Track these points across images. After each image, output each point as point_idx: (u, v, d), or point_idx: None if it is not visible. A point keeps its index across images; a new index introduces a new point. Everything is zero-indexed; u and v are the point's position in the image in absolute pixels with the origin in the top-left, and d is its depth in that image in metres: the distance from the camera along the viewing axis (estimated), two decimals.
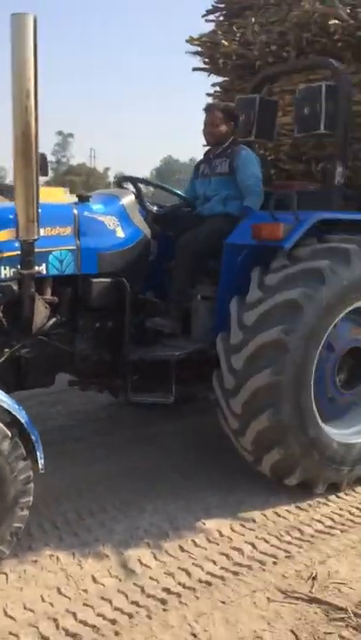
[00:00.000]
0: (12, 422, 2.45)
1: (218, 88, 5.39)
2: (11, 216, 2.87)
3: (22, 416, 2.48)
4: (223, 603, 2.52)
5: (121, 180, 3.88)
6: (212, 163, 3.90)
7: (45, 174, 3.33)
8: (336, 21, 4.32)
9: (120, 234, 3.28)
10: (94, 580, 2.60)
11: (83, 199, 3.21)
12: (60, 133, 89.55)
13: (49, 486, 3.03)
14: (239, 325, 3.24)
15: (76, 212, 3.15)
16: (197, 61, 5.29)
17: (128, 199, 3.39)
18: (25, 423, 2.48)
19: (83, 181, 79.97)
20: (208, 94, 5.43)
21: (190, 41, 5.20)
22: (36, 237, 2.73)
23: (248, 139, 4.29)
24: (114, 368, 3.39)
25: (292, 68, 4.54)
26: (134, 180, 3.62)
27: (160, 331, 3.50)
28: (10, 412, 2.44)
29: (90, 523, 3.02)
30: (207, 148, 4.13)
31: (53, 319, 3.04)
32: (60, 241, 3.03)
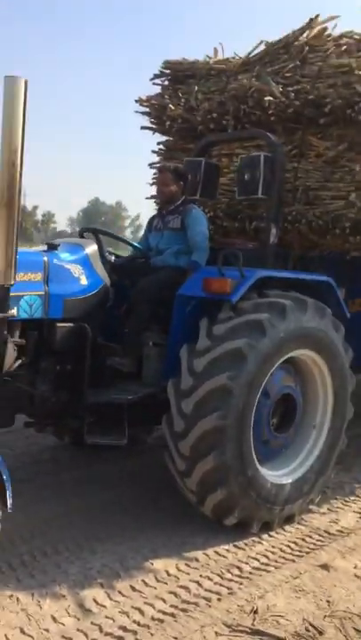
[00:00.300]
0: None
1: (162, 146, 5.77)
2: None
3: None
4: (175, 638, 2.69)
5: (83, 231, 4.07)
6: (164, 218, 4.22)
7: None
8: (270, 98, 4.84)
9: (84, 281, 3.47)
10: (54, 619, 2.69)
11: (51, 247, 3.39)
12: None
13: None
14: (189, 372, 3.49)
15: (46, 259, 3.32)
16: (145, 120, 5.67)
17: (91, 249, 3.60)
18: None
19: None
20: (153, 151, 5.81)
21: (140, 102, 5.58)
22: (12, 282, 2.87)
23: (194, 197, 4.66)
24: (70, 410, 3.52)
25: (234, 138, 5.00)
26: (96, 232, 3.84)
27: (114, 374, 3.68)
28: None
29: (45, 564, 3.10)
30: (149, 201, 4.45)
31: (19, 361, 3.15)
32: (30, 286, 3.18)
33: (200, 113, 5.19)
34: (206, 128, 5.22)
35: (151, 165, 5.92)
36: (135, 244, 4.16)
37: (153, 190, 5.88)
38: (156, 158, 5.88)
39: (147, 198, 6.01)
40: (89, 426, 3.51)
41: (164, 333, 3.86)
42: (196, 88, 5.37)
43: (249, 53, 5.26)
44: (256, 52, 5.22)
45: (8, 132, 2.73)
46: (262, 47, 5.21)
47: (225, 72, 5.39)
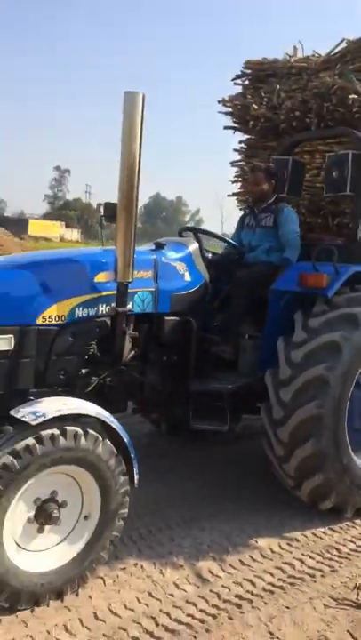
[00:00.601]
0: (118, 441, 2.84)
1: (243, 145, 5.97)
2: (103, 260, 3.31)
3: (125, 436, 2.87)
4: (288, 607, 2.92)
5: (182, 230, 4.34)
6: (257, 216, 4.43)
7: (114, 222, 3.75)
8: (354, 96, 4.95)
9: (187, 278, 3.74)
10: (176, 586, 2.98)
11: (158, 246, 3.67)
12: (57, 169, 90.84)
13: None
14: (287, 362, 3.69)
15: (155, 257, 3.60)
16: (227, 120, 5.88)
17: (193, 247, 3.85)
18: (127, 442, 2.87)
19: (78, 216, 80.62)
20: (235, 150, 6.01)
21: (223, 102, 5.79)
22: (130, 280, 3.16)
23: (281, 195, 4.83)
24: (176, 398, 3.80)
25: (321, 136, 5.13)
26: (195, 231, 4.10)
27: (213, 365, 3.94)
28: (117, 432, 2.83)
29: (160, 537, 3.41)
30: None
31: (132, 352, 3.44)
32: (143, 283, 3.46)
33: (283, 111, 5.34)
34: (289, 126, 5.37)
35: (233, 163, 6.13)
36: (231, 242, 4.38)
37: (235, 187, 6.12)
38: (237, 156, 6.09)
39: (229, 195, 6.23)
40: (193, 412, 3.77)
41: (258, 326, 4.08)
42: (278, 87, 5.54)
43: (330, 51, 5.38)
44: (338, 49, 5.32)
45: (127, 142, 3.01)
46: (344, 45, 5.32)
47: (306, 70, 5.52)
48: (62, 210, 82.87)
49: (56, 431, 2.63)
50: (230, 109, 5.81)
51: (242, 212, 5.94)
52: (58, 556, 2.79)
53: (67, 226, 71.87)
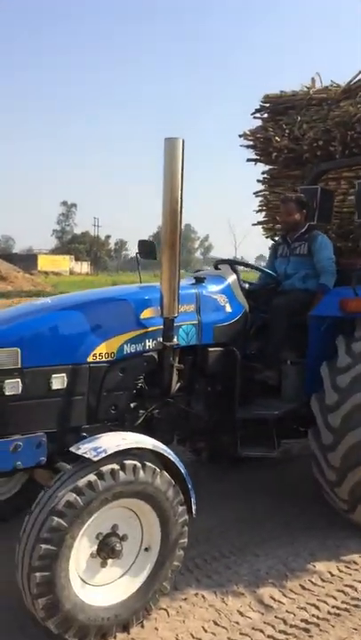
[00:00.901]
0: (175, 472, 2.94)
1: (266, 175, 6.16)
2: (147, 297, 3.46)
3: (182, 467, 2.97)
4: (356, 629, 2.95)
5: (218, 263, 4.48)
6: (290, 245, 4.57)
7: (155, 258, 3.91)
8: None
9: (228, 309, 3.85)
10: (241, 614, 3.02)
11: (198, 280, 3.81)
12: (64, 203, 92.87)
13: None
14: (333, 387, 3.76)
15: (196, 291, 3.72)
16: (250, 152, 6.08)
17: (232, 279, 3.98)
18: (184, 473, 2.97)
19: (86, 249, 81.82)
20: (258, 180, 6.21)
21: (245, 136, 6.00)
22: (176, 315, 3.29)
23: (310, 223, 4.97)
24: (221, 426, 3.90)
25: (349, 164, 5.29)
26: (231, 263, 4.24)
27: (257, 392, 4.04)
28: (174, 464, 2.93)
29: (216, 566, 3.45)
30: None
31: (178, 384, 3.56)
32: (186, 317, 3.57)
33: (306, 141, 5.52)
34: (313, 155, 5.54)
35: (256, 194, 6.32)
36: (268, 271, 4.49)
37: (260, 217, 6.30)
38: (260, 187, 6.28)
39: (253, 225, 6.40)
40: (241, 439, 3.86)
41: (298, 352, 4.18)
42: (299, 118, 5.73)
43: (350, 81, 5.56)
44: (357, 78, 5.51)
45: (169, 184, 3.16)
46: None
47: (326, 100, 5.71)
48: (71, 244, 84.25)
49: (116, 466, 2.71)
50: (252, 142, 6.02)
51: (270, 241, 6.15)
52: (122, 588, 2.85)
53: (76, 259, 72.83)
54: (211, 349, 3.73)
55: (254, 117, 6.13)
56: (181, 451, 4.79)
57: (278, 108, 6.01)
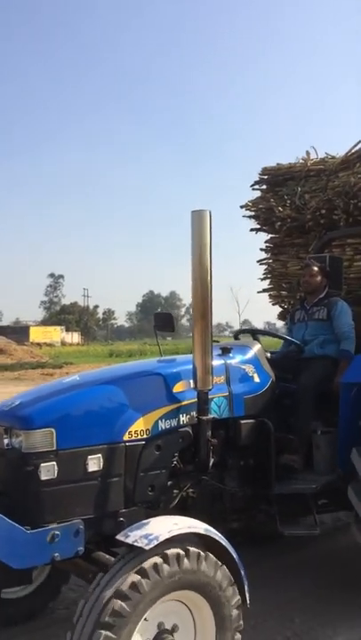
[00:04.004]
0: (226, 559, 2.69)
1: (269, 244, 6.18)
2: (178, 369, 3.30)
3: (234, 553, 2.72)
4: None
5: (239, 333, 4.36)
6: (308, 310, 4.48)
7: (172, 330, 3.79)
8: None
9: (257, 379, 3.69)
10: None
11: (225, 351, 3.66)
12: (51, 275, 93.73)
13: None
14: None
15: (225, 362, 3.57)
16: (251, 222, 6.12)
17: (257, 348, 3.84)
18: (237, 561, 2.72)
19: (76, 319, 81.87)
20: (261, 249, 6.22)
21: (246, 207, 6.06)
22: (210, 387, 3.13)
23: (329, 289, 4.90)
24: (257, 503, 3.65)
25: (356, 233, 5.31)
26: (253, 332, 4.13)
27: (289, 466, 3.83)
28: (226, 549, 2.69)
29: None
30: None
31: (212, 459, 3.34)
32: (217, 389, 3.38)
33: (309, 211, 5.57)
34: (316, 224, 5.57)
35: (260, 262, 6.31)
36: (292, 339, 4.35)
37: (264, 284, 6.28)
38: (264, 255, 6.28)
39: (258, 292, 6.38)
40: (280, 518, 3.61)
41: (327, 421, 4.01)
42: (299, 189, 5.81)
43: (347, 152, 5.68)
44: (355, 149, 5.63)
45: (198, 255, 3.08)
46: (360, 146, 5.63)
47: (324, 172, 5.81)
48: (60, 314, 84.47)
49: (159, 559, 2.45)
50: (254, 212, 6.07)
51: (277, 307, 6.10)
52: None
53: (67, 330, 72.79)
54: (243, 422, 3.53)
55: (253, 189, 6.21)
56: None
57: (277, 180, 6.09)
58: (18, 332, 53.49)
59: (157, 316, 3.90)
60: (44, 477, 2.66)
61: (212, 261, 3.13)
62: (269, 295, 6.14)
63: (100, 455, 2.84)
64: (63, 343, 62.25)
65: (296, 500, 3.70)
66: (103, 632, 2.27)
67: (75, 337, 73.45)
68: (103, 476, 2.85)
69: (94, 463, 2.83)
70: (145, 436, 3.02)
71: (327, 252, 5.47)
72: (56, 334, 64.30)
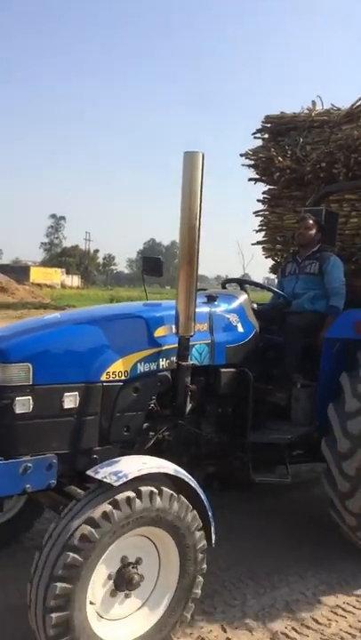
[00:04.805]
0: (194, 498, 2.71)
1: (267, 195, 6.00)
2: (161, 314, 3.25)
3: (201, 493, 2.74)
4: None
5: (226, 282, 4.27)
6: (300, 263, 4.39)
7: (160, 275, 3.71)
8: None
9: (240, 329, 3.64)
10: None
11: (211, 299, 3.60)
12: (53, 216, 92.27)
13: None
14: (344, 434, 3.51)
15: (209, 310, 3.52)
16: (251, 172, 5.93)
17: (243, 298, 3.77)
18: (204, 499, 2.74)
19: (76, 263, 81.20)
20: (258, 200, 6.03)
21: (246, 155, 5.85)
22: (192, 333, 3.08)
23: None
24: (232, 450, 3.66)
25: (353, 187, 5.15)
26: (240, 282, 4.04)
27: (266, 415, 3.83)
28: (194, 489, 2.71)
29: (227, 599, 3.21)
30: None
31: (190, 405, 3.33)
32: (199, 336, 3.34)
33: (309, 163, 5.39)
34: (316, 177, 5.39)
35: (256, 213, 6.15)
36: (279, 292, 4.29)
37: (259, 237, 6.14)
38: (261, 206, 6.12)
39: (253, 244, 6.24)
40: (253, 464, 3.63)
41: (308, 374, 3.99)
42: (301, 140, 5.60)
43: (352, 105, 5.45)
44: (359, 103, 5.41)
45: (188, 199, 2.97)
46: None
47: (328, 123, 5.59)
48: (61, 257, 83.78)
49: (132, 494, 2.49)
50: (254, 162, 5.87)
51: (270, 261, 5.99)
52: (141, 621, 2.62)
53: (67, 272, 72.38)
54: (223, 370, 3.51)
55: (255, 137, 5.99)
56: None
57: (280, 129, 5.87)
58: (17, 272, 53.05)
59: (146, 261, 3.81)
60: (18, 411, 2.65)
61: (202, 207, 3.03)
62: (263, 248, 6.01)
63: (76, 393, 2.83)
64: (63, 286, 61.98)
65: (270, 449, 3.71)
66: (70, 554, 2.30)
67: (75, 280, 73.11)
68: (79, 413, 2.85)
69: (70, 400, 2.81)
70: (123, 378, 3.00)
71: (324, 206, 5.33)
72: (56, 276, 63.90)
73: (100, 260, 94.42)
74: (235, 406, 3.62)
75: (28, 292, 36.05)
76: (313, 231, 4.38)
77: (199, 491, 2.73)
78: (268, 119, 5.98)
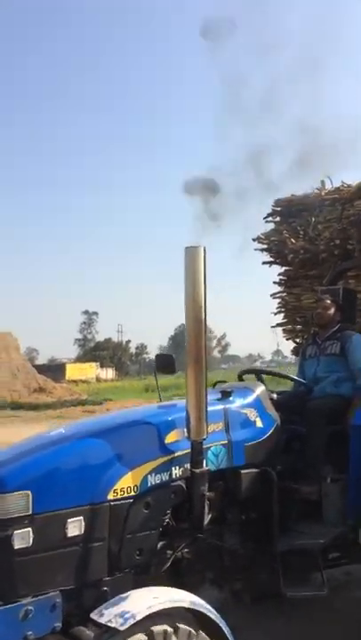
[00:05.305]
0: (216, 633, 2.33)
1: (282, 277, 5.84)
2: (171, 417, 2.95)
3: (224, 626, 2.34)
4: None
5: (243, 373, 3.99)
6: (320, 345, 4.09)
7: (173, 372, 3.46)
8: None
9: (259, 424, 3.30)
10: None
11: (225, 394, 3.30)
12: (85, 312, 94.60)
13: None
14: None
15: (224, 407, 3.20)
16: (264, 255, 5.81)
17: (260, 390, 3.46)
18: (227, 633, 2.34)
19: (110, 355, 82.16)
20: (275, 282, 5.88)
21: (258, 240, 5.75)
22: (205, 437, 2.76)
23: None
24: (260, 560, 3.23)
25: None
26: (257, 372, 3.75)
27: (295, 517, 3.41)
28: (215, 623, 2.32)
29: None
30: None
31: (209, 515, 2.95)
32: (215, 437, 3.01)
33: (322, 241, 5.25)
34: (330, 254, 5.24)
35: (274, 295, 5.98)
36: (298, 379, 3.99)
37: (278, 319, 5.91)
38: (278, 288, 5.94)
39: (273, 327, 6.02)
40: (284, 576, 3.18)
41: (337, 466, 3.58)
42: (313, 219, 5.49)
43: None
44: None
45: (191, 295, 2.76)
46: None
47: (339, 200, 5.50)
48: (94, 351, 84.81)
49: (143, 637, 2.11)
50: (266, 245, 5.76)
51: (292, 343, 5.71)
52: None
53: (101, 366, 72.97)
54: (243, 472, 3.14)
55: (267, 221, 5.93)
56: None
57: (291, 211, 5.82)
58: (54, 370, 53.64)
59: (158, 358, 3.57)
60: (17, 546, 2.32)
61: (207, 299, 2.81)
62: (283, 330, 5.78)
63: (81, 517, 2.48)
64: (98, 379, 62.32)
65: (302, 556, 3.27)
66: None
67: (109, 373, 73.51)
68: (84, 540, 2.49)
69: (75, 527, 2.47)
70: (132, 494, 2.66)
71: (342, 283, 5.10)
72: (91, 371, 64.46)
73: (133, 350, 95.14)
74: (259, 511, 3.22)
75: (66, 389, 36.37)
76: (331, 311, 4.11)
77: (222, 625, 2.32)
78: (278, 203, 5.95)
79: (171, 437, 2.87)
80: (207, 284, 2.79)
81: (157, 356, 3.60)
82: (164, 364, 3.46)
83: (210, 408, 2.88)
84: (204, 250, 2.77)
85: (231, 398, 3.28)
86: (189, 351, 2.76)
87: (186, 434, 2.80)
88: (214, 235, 3.93)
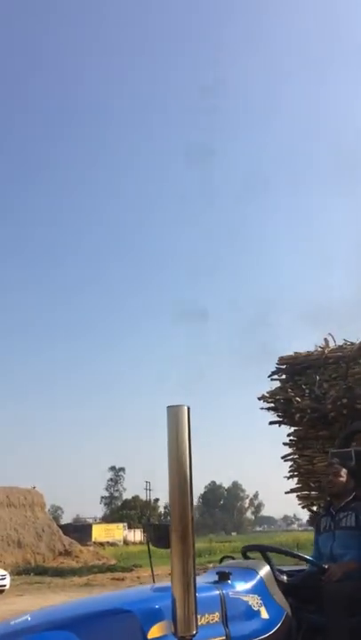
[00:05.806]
0: None
1: (292, 437, 5.56)
2: (157, 605, 2.56)
3: None
4: None
5: (246, 550, 3.55)
6: (335, 517, 3.66)
7: (168, 547, 3.05)
8: None
9: (265, 614, 2.82)
10: None
11: (222, 576, 2.88)
12: (112, 468, 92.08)
13: None
14: None
15: (220, 593, 2.75)
16: (271, 415, 5.60)
17: (265, 571, 3.00)
18: None
19: (137, 515, 78.33)
20: (285, 444, 5.59)
21: (264, 398, 5.59)
22: (194, 632, 2.35)
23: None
24: None
25: None
26: (262, 549, 3.32)
27: None
28: None
29: None
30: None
31: None
32: (209, 632, 2.55)
33: (329, 400, 5.07)
34: (339, 414, 5.03)
35: (285, 458, 5.64)
36: (309, 558, 3.49)
37: (291, 484, 5.52)
38: (287, 450, 5.63)
39: (286, 493, 5.59)
40: None
41: None
42: (318, 377, 5.36)
43: None
44: None
45: (175, 460, 2.54)
46: None
47: (343, 358, 5.42)
48: (122, 510, 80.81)
49: None
50: (272, 404, 5.58)
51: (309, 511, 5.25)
52: None
53: (129, 527, 68.96)
54: None
55: (272, 379, 5.81)
56: None
57: (295, 369, 5.73)
58: (79, 531, 50.87)
59: (152, 529, 3.15)
60: None
61: (193, 467, 2.58)
62: (297, 496, 5.35)
63: None
64: (125, 542, 58.51)
65: None
66: None
67: (137, 534, 69.11)
68: None
69: None
70: None
71: (354, 445, 4.79)
72: (118, 532, 60.93)
73: (162, 510, 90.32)
74: None
75: (92, 553, 34.33)
76: (343, 477, 3.70)
77: None
78: (282, 360, 5.89)
79: (154, 632, 2.46)
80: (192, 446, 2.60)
81: (150, 525, 3.19)
82: (159, 535, 3.07)
83: (204, 594, 2.53)
84: (188, 409, 2.60)
85: (230, 582, 2.85)
86: (174, 527, 2.45)
87: (172, 628, 2.40)
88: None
